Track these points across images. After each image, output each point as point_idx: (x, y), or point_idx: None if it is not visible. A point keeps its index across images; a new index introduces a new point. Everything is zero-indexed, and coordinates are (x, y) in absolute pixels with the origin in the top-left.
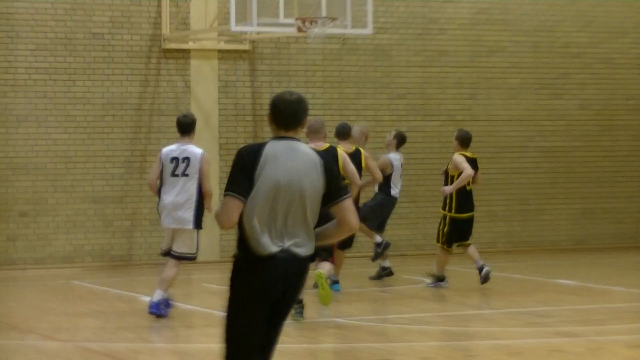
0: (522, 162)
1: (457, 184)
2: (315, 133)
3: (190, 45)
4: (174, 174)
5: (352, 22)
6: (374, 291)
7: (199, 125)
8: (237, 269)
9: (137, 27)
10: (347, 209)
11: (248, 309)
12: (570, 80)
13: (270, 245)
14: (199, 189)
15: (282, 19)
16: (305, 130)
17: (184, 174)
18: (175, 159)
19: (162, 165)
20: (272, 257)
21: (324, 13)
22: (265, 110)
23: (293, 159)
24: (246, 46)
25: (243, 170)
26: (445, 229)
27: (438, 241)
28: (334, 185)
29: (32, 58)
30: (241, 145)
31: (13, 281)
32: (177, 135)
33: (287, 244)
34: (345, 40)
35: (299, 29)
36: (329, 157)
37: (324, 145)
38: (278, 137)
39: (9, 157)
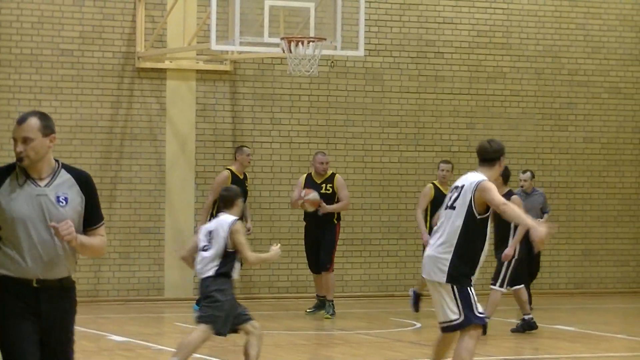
0: None
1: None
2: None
3: (166, 64)
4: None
5: (342, 43)
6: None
7: (173, 151)
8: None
9: (109, 44)
10: None
11: None
12: (575, 110)
13: None
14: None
15: (266, 38)
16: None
17: None
18: None
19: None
20: None
21: (312, 33)
22: (247, 136)
23: None
24: (227, 67)
25: None
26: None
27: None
28: None
29: None
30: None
31: None
32: (150, 161)
33: None
34: (335, 63)
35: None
36: None
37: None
38: None
39: None
